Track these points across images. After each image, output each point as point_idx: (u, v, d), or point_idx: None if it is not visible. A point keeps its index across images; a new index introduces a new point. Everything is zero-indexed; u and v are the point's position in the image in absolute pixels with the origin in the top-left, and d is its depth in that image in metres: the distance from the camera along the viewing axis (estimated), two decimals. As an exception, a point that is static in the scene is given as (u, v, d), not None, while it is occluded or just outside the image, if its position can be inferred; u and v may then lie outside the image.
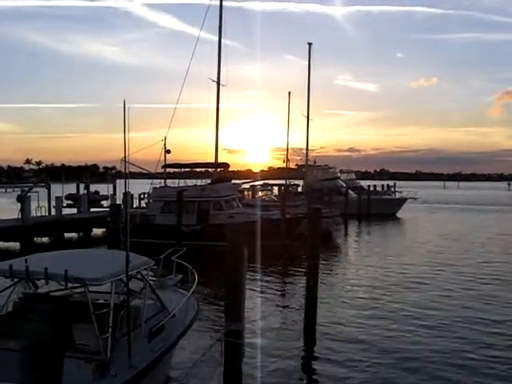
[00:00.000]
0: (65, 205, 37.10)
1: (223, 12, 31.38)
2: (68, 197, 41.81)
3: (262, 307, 15.26)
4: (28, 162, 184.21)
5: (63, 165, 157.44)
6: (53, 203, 34.80)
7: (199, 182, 32.51)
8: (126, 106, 6.64)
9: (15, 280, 7.77)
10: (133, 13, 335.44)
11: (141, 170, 32.49)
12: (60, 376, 6.75)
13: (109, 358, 6.77)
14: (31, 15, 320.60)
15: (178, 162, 34.47)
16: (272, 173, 59.07)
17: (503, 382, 10.00)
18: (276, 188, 50.71)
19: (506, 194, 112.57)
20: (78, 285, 7.50)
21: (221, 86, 31.31)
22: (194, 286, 10.12)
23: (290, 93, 48.25)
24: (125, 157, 6.46)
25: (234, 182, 35.38)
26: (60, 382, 6.73)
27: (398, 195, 61.83)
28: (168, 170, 33.36)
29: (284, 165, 49.63)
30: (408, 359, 11.10)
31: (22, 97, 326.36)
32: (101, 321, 6.86)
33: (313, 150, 57.75)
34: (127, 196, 10.44)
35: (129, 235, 7.05)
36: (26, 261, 7.14)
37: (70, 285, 7.48)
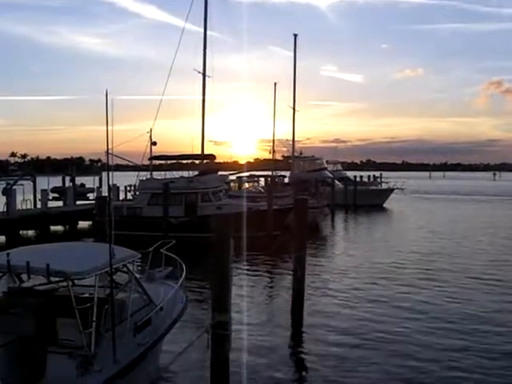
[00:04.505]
0: (50, 198, 36.76)
1: (208, 3, 31.24)
2: (54, 190, 41.41)
3: (249, 298, 15.27)
4: (13, 155, 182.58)
5: (49, 158, 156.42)
6: (38, 196, 34.46)
7: (185, 174, 32.41)
8: (110, 97, 6.57)
9: None
10: (117, 4, 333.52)
11: (127, 163, 32.33)
12: (44, 371, 6.68)
13: (93, 353, 6.71)
14: (14, 6, 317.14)
15: (164, 153, 34.31)
16: (258, 164, 59.08)
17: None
18: (262, 179, 50.75)
19: (492, 184, 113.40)
20: (60, 279, 7.41)
21: (206, 78, 31.23)
22: (183, 278, 10.08)
23: (275, 84, 48.23)
24: (107, 149, 6.39)
25: (220, 173, 35.29)
26: (44, 377, 6.66)
27: (384, 186, 62.15)
28: (154, 161, 33.17)
29: (270, 156, 49.71)
30: (395, 346, 11.19)
31: (6, 90, 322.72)
32: (84, 315, 6.79)
33: (299, 141, 57.92)
34: (111, 188, 10.34)
35: (113, 228, 6.97)
36: (7, 255, 7.05)
37: (52, 279, 7.40)
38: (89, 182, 45.26)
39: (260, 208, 28.39)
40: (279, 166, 51.28)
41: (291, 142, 50.82)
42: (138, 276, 9.05)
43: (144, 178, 31.36)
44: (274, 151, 49.04)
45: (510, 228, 33.58)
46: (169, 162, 34.43)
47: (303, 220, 13.62)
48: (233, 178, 44.70)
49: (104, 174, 38.20)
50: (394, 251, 24.40)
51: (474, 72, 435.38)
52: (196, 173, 31.65)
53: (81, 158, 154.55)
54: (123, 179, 36.97)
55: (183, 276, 10.12)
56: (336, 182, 50.86)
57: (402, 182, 57.23)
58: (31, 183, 36.74)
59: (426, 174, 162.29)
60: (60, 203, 37.63)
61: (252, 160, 64.37)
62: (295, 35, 48.61)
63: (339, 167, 64.41)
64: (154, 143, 32.83)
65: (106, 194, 29.96)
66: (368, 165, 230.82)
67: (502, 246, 25.53)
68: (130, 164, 33.05)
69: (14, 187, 30.17)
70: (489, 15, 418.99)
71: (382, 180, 67.29)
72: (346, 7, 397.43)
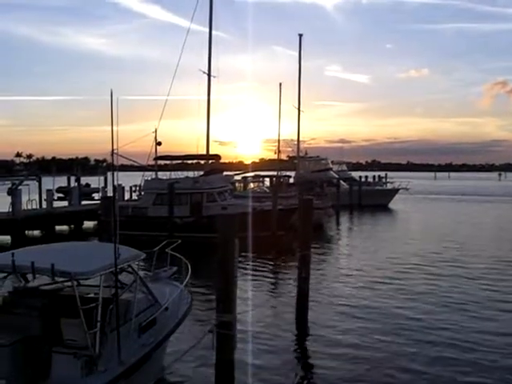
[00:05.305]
0: (56, 198, 36.90)
1: (214, 3, 31.28)
2: (59, 190, 41.55)
3: (254, 298, 15.25)
4: (18, 155, 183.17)
5: (54, 158, 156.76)
6: (44, 196, 34.59)
7: (190, 174, 32.45)
8: (114, 97, 6.56)
9: (3, 274, 7.69)
10: (121, 4, 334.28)
11: (132, 163, 32.37)
12: (48, 372, 6.68)
13: (97, 354, 6.70)
14: (17, 6, 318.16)
15: (170, 154, 34.35)
16: (263, 164, 59.11)
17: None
18: (268, 179, 50.71)
19: (497, 184, 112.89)
20: (65, 279, 7.40)
21: (212, 78, 31.27)
22: (188, 278, 10.07)
23: (281, 84, 48.26)
24: (112, 149, 6.39)
25: (225, 173, 35.32)
26: (49, 377, 6.66)
27: (389, 186, 62.03)
28: (159, 162, 33.22)
29: (275, 156, 49.67)
30: (400, 346, 11.15)
31: (10, 90, 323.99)
32: (89, 315, 6.78)
33: (304, 142, 57.84)
34: (116, 188, 10.34)
35: (118, 228, 6.96)
36: (12, 255, 7.06)
37: (57, 279, 7.39)
38: (94, 182, 45.35)
39: (265, 208, 28.38)
40: (284, 167, 51.25)
41: (296, 142, 50.83)
42: (142, 276, 9.05)
43: (149, 178, 31.41)
44: (279, 151, 49.06)
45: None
46: (174, 162, 34.50)
47: (308, 220, 13.60)
48: (238, 178, 44.72)
49: (109, 174, 38.33)
50: (398, 252, 24.27)
51: (478, 72, 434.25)
52: (201, 173, 31.69)
53: (86, 158, 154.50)
54: (128, 179, 37.00)
55: (188, 276, 10.10)
56: (341, 182, 50.79)
57: (407, 183, 57.06)
58: (36, 183, 36.88)
59: (431, 174, 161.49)
60: (65, 203, 37.75)
61: (257, 160, 64.52)
62: (300, 35, 48.67)
63: (344, 167, 64.38)
64: (159, 143, 32.91)
65: (111, 194, 30.21)
66: (373, 165, 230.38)
67: (509, 250, 25.18)
68: (135, 164, 33.12)
69: (20, 187, 30.22)
70: (494, 15, 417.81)
71: (387, 180, 67.21)
72: (350, 7, 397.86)
